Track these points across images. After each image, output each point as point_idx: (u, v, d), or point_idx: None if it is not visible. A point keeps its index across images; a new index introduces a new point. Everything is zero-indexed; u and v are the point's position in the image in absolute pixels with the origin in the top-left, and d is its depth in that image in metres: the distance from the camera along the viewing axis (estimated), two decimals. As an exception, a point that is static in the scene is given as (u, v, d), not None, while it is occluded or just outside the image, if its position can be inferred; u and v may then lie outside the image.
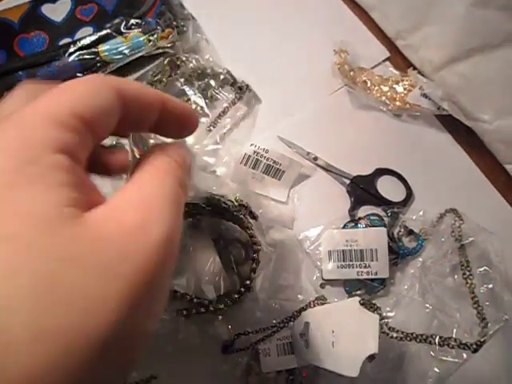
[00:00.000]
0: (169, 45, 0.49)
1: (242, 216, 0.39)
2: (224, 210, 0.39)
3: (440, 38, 0.47)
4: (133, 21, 0.48)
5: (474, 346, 0.31)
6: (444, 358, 0.34)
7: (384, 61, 0.52)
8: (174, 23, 0.48)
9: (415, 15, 0.49)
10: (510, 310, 0.33)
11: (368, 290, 0.41)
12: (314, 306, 0.40)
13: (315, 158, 0.46)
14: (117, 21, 0.48)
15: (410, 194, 0.45)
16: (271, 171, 0.45)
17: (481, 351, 0.31)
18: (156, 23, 0.48)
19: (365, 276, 0.41)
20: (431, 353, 0.34)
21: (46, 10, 0.52)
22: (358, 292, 0.42)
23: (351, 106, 0.50)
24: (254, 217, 0.40)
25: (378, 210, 0.45)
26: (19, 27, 0.51)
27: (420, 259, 0.43)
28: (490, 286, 0.35)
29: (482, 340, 0.31)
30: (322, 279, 0.42)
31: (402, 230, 0.44)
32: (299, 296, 0.41)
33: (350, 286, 0.42)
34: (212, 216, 0.42)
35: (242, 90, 0.48)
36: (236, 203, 0.40)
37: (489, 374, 0.36)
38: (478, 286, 0.35)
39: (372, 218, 0.44)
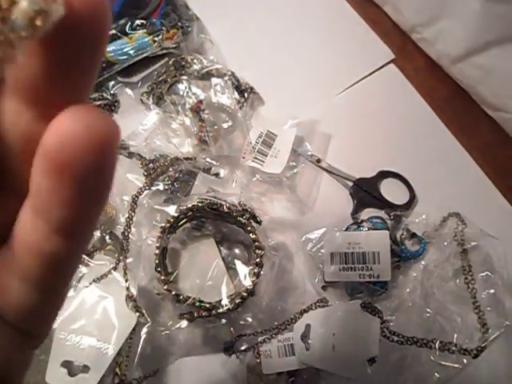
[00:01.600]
0: (174, 45, 0.49)
1: (245, 221, 0.39)
2: (227, 213, 0.40)
3: (456, 32, 0.47)
4: (138, 21, 0.48)
5: (475, 352, 0.31)
6: (444, 363, 0.34)
7: (388, 63, 0.52)
8: (179, 24, 0.48)
9: (430, 9, 0.49)
10: (510, 316, 0.33)
11: (370, 293, 0.42)
12: (316, 308, 0.40)
13: (318, 160, 0.46)
14: (122, 22, 0.48)
15: (413, 197, 0.45)
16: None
17: (481, 356, 0.31)
18: (161, 24, 0.48)
19: (367, 279, 0.41)
20: (431, 357, 0.34)
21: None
22: (360, 295, 0.42)
23: (357, 106, 0.50)
24: (258, 222, 0.40)
25: (381, 213, 0.44)
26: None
27: (423, 263, 0.43)
28: (492, 291, 0.35)
29: (482, 346, 0.31)
30: (324, 281, 0.42)
31: (405, 233, 0.44)
32: (301, 298, 0.41)
33: (352, 289, 0.42)
34: (215, 219, 0.42)
35: (245, 92, 0.48)
36: (240, 207, 0.40)
37: (489, 380, 0.36)
38: (479, 291, 0.35)
39: (375, 220, 0.44)
